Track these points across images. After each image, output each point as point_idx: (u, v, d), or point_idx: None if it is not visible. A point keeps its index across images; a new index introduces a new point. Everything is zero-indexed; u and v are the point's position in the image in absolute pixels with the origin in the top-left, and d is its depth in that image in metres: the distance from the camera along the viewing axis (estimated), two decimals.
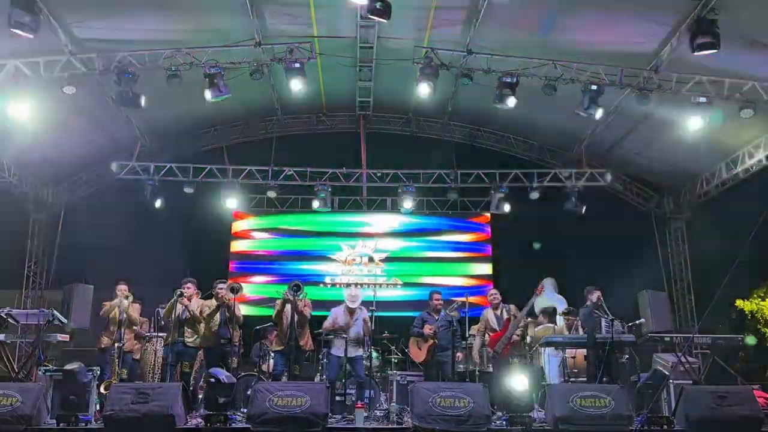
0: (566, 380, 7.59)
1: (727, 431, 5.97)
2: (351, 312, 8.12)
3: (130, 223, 12.74)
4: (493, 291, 8.76)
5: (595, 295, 7.86)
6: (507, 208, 12.35)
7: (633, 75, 9.51)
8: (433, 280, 13.10)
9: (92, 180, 13.25)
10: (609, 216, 13.17)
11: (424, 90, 9.63)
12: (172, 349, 7.71)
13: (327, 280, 13.14)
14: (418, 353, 8.50)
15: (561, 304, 8.37)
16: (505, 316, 8.27)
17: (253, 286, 12.82)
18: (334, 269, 13.24)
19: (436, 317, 8.40)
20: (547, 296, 8.39)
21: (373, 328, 8.29)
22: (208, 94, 9.46)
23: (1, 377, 7.45)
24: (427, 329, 8.26)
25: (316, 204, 12.39)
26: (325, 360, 8.97)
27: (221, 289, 8.08)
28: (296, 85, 9.72)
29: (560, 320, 8.25)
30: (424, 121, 13.72)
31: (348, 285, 12.29)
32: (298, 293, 7.83)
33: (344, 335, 7.85)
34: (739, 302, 15.07)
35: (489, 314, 8.48)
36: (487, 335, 8.44)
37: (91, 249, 12.77)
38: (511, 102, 9.58)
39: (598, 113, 9.54)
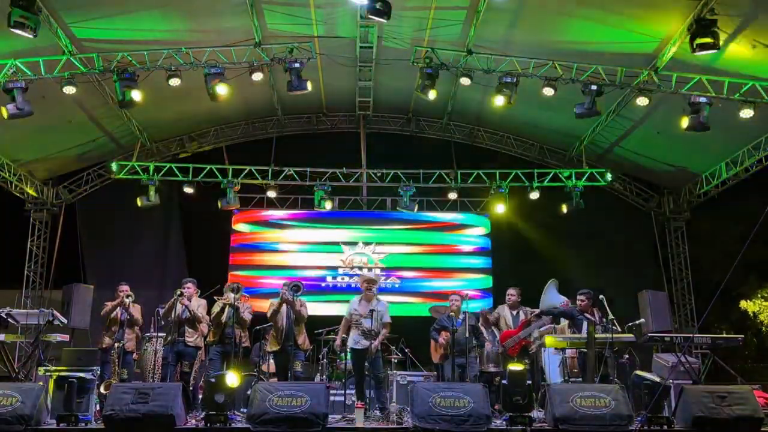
0: (566, 380, 7.59)
1: (727, 431, 5.97)
2: (368, 300, 7.79)
3: (130, 223, 12.78)
4: (512, 291, 8.47)
5: (583, 303, 7.85)
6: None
7: (633, 75, 9.52)
8: (433, 282, 13.10)
9: (92, 180, 13.25)
10: (609, 216, 13.20)
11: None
12: (172, 349, 7.70)
13: (329, 279, 13.04)
14: (433, 353, 8.32)
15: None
16: (522, 317, 8.18)
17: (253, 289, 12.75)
18: (335, 270, 13.15)
19: (454, 321, 7.94)
20: (550, 298, 8.29)
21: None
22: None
23: (1, 377, 7.45)
24: (443, 338, 7.91)
25: (327, 206, 12.38)
26: (325, 360, 8.98)
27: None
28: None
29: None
30: (424, 121, 13.73)
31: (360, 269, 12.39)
32: (297, 293, 7.79)
33: (360, 326, 7.57)
34: (743, 303, 15.08)
35: (505, 312, 8.35)
36: (497, 331, 8.36)
37: (91, 249, 12.82)
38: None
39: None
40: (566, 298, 8.06)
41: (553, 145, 13.41)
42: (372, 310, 7.61)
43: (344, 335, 7.94)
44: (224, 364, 7.62)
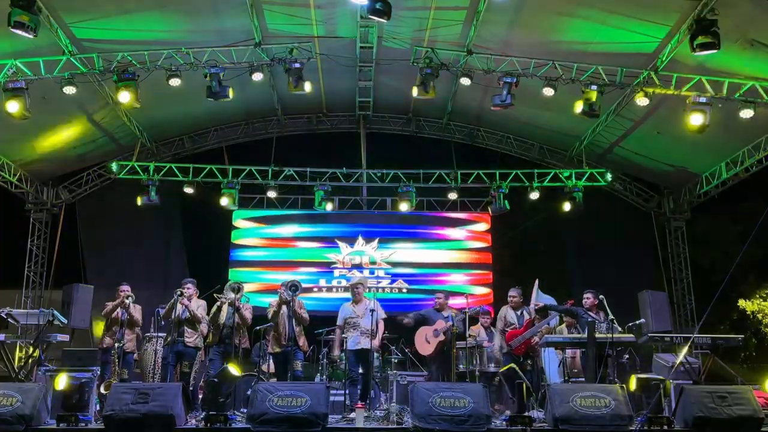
0: (566, 380, 7.59)
1: (727, 431, 5.97)
2: (358, 302, 7.98)
3: (130, 223, 12.78)
4: (513, 292, 8.52)
5: (588, 301, 7.89)
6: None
7: (633, 75, 9.52)
8: (433, 279, 13.10)
9: (92, 180, 13.25)
10: (609, 216, 13.20)
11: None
12: (172, 349, 7.69)
13: (321, 282, 12.93)
14: (425, 345, 8.31)
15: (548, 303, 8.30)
16: (526, 317, 8.20)
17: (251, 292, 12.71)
18: (332, 272, 13.04)
19: (445, 316, 8.22)
20: (538, 298, 8.32)
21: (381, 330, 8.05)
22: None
23: (1, 377, 7.44)
24: (441, 323, 8.11)
25: (329, 206, 12.40)
26: (325, 360, 8.97)
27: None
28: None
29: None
30: (424, 121, 13.73)
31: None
32: (296, 293, 7.77)
33: (358, 328, 7.70)
34: (741, 302, 15.09)
35: (509, 313, 8.38)
36: (497, 331, 8.37)
37: (91, 249, 12.82)
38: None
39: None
40: (552, 297, 8.12)
41: (553, 145, 13.41)
42: (371, 310, 7.70)
43: (340, 343, 8.06)
44: (225, 364, 7.60)
